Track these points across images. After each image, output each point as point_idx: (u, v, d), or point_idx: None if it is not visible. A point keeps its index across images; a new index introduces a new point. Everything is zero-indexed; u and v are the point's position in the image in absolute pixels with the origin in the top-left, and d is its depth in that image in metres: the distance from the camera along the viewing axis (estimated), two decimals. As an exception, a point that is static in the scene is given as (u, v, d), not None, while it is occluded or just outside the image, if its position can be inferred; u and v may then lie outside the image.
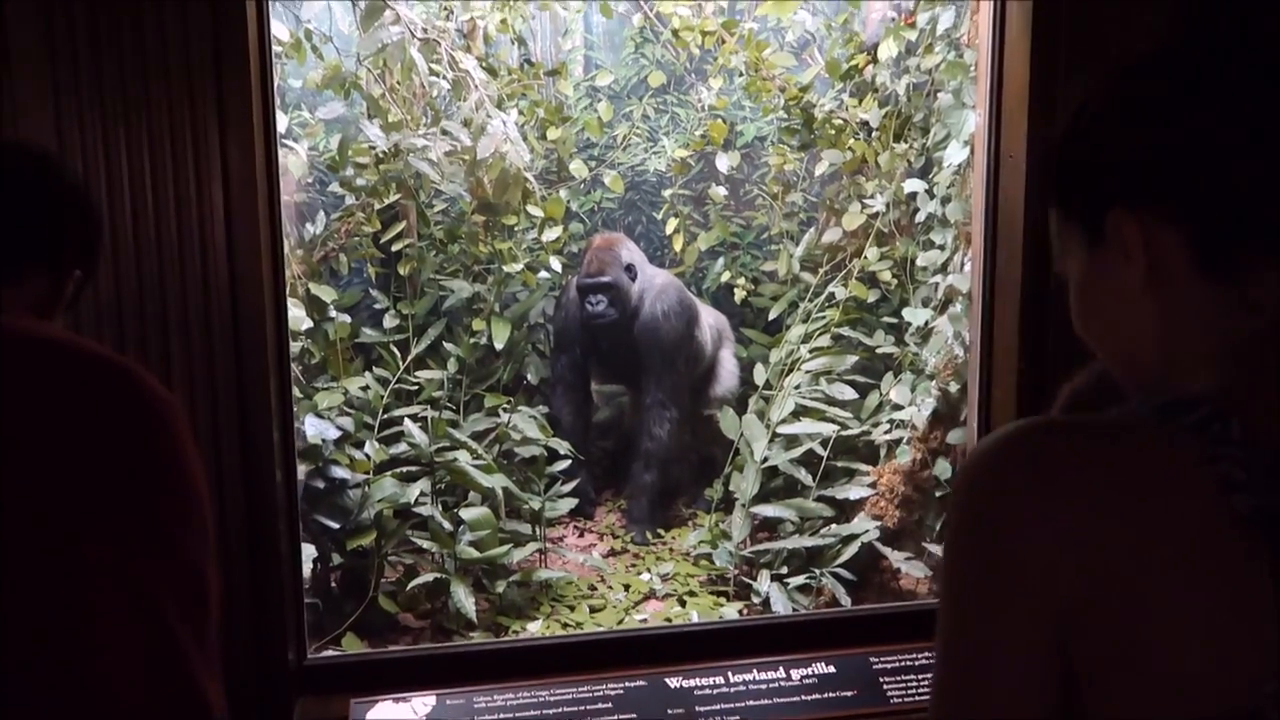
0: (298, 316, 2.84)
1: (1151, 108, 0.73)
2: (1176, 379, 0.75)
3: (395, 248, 3.39)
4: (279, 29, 2.82)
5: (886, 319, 3.46)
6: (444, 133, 3.12)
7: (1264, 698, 0.65)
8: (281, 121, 2.52)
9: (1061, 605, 0.69)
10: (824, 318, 3.44)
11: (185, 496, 1.13)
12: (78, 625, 1.04)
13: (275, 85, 2.07)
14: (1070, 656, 0.70)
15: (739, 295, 3.82)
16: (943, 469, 3.01)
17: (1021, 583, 0.69)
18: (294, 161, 2.93)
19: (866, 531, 3.02)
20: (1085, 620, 0.68)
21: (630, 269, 3.49)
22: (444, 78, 3.11)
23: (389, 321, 3.43)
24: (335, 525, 2.74)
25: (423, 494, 2.92)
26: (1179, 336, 0.74)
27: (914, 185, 3.19)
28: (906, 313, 3.24)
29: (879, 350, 3.38)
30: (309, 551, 2.63)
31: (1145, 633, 0.67)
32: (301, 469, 2.60)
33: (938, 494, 3.03)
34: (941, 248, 3.12)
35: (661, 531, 3.47)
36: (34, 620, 1.04)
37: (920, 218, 3.23)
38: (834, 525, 3.10)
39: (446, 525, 2.88)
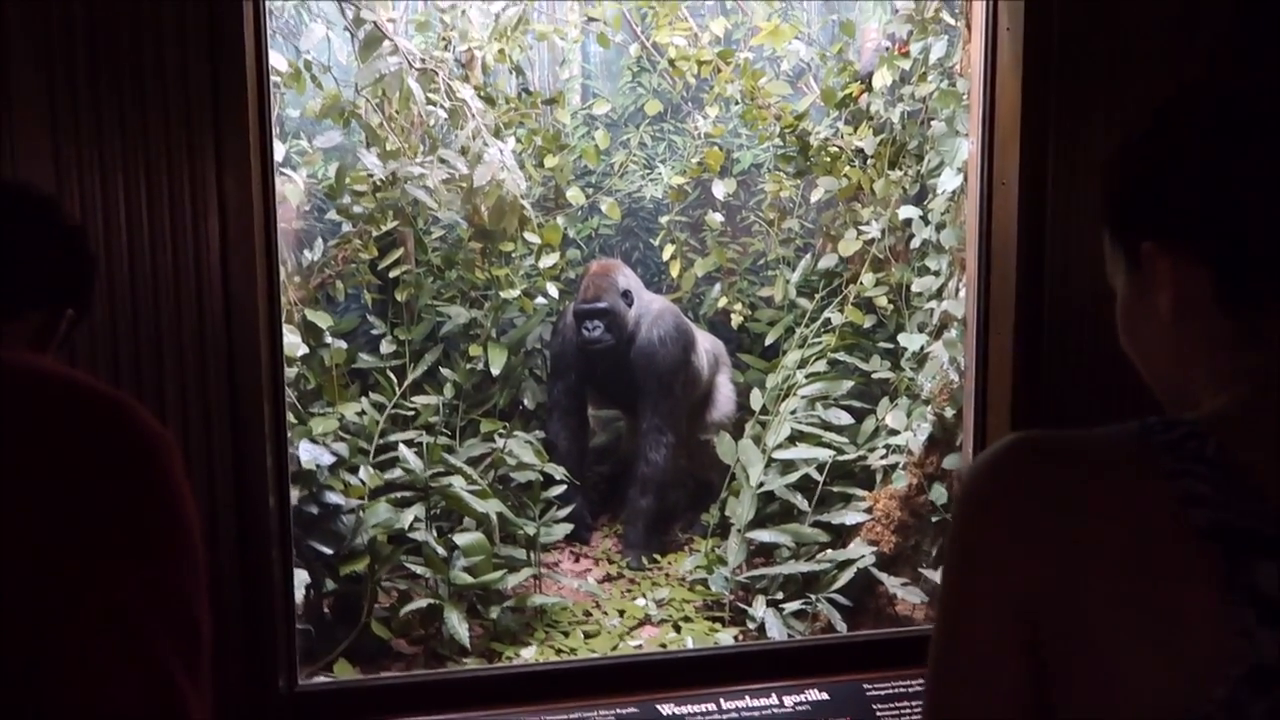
0: (293, 343, 2.86)
1: (1185, 151, 0.77)
2: (1192, 399, 0.80)
3: (392, 274, 3.41)
4: (278, 59, 2.85)
5: (882, 344, 3.48)
6: (441, 161, 3.15)
7: (1212, 704, 0.67)
8: (279, 150, 2.55)
9: (1027, 604, 0.73)
10: (820, 343, 3.46)
11: (176, 530, 1.13)
12: (68, 657, 1.04)
13: (273, 115, 2.09)
14: (1039, 657, 0.73)
15: (735, 320, 3.84)
16: (938, 494, 3.02)
17: (990, 581, 0.75)
18: (291, 190, 2.96)
19: (862, 557, 3.02)
20: (1048, 620, 0.72)
21: (627, 295, 3.51)
22: (441, 107, 3.14)
23: (385, 347, 3.46)
24: (329, 551, 2.74)
25: (417, 519, 2.93)
26: (1197, 361, 0.79)
27: (909, 211, 3.21)
28: (902, 338, 3.26)
29: (875, 375, 3.39)
30: (302, 577, 2.63)
31: (1097, 635, 0.71)
32: (295, 494, 2.61)
33: (934, 519, 3.04)
34: (936, 273, 3.14)
35: (657, 557, 3.48)
36: (24, 652, 1.03)
37: (915, 243, 3.25)
38: (830, 550, 3.10)
39: (440, 551, 2.88)
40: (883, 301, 3.41)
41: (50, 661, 1.03)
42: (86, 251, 1.39)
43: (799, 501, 3.17)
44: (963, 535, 0.77)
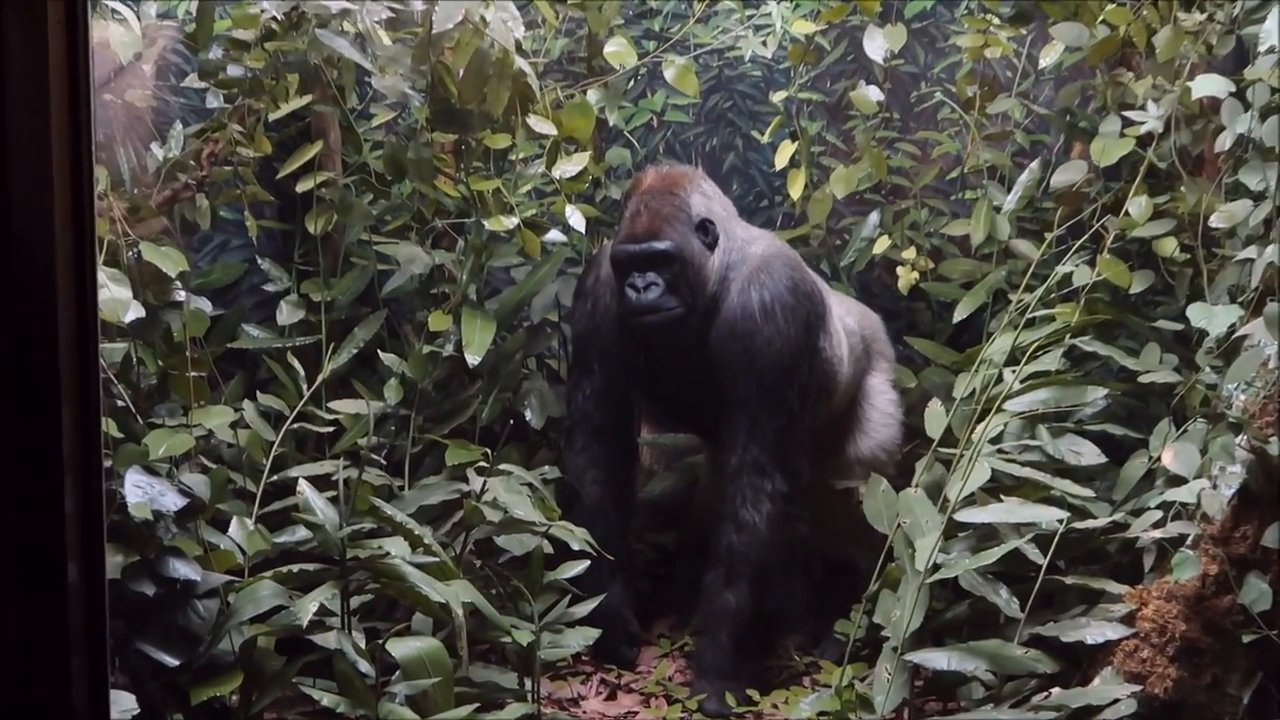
0: (119, 301, 2.90)
1: None
2: None
3: (300, 187, 3.41)
4: None
5: (1164, 323, 3.41)
6: (383, -13, 3.23)
7: None
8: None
9: None
10: (1051, 320, 3.42)
11: None
12: None
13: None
14: None
15: (904, 279, 3.80)
16: (1258, 593, 2.98)
17: None
18: (123, 38, 3.00)
19: (1116, 702, 2.99)
20: None
21: (706, 228, 3.49)
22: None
23: (287, 314, 3.45)
24: (172, 661, 2.77)
25: (327, 612, 2.94)
26: None
27: (1211, 86, 3.17)
28: (1195, 312, 3.20)
29: (1147, 379, 3.34)
30: (123, 704, 2.62)
31: None
32: (115, 561, 2.64)
33: (1247, 639, 3.00)
34: (1259, 196, 3.10)
35: (754, 695, 3.45)
36: None
37: (1224, 143, 3.20)
38: (1058, 689, 3.06)
39: (365, 669, 2.89)
40: (1166, 248, 3.36)
41: None
42: None
43: (1003, 601, 3.15)
44: None
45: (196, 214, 3.34)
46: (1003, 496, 3.26)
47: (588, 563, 3.32)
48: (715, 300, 3.54)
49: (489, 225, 3.52)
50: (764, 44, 3.94)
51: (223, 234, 3.61)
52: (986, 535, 3.23)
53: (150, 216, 3.28)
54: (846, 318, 3.75)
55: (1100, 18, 3.40)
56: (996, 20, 3.65)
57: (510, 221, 3.51)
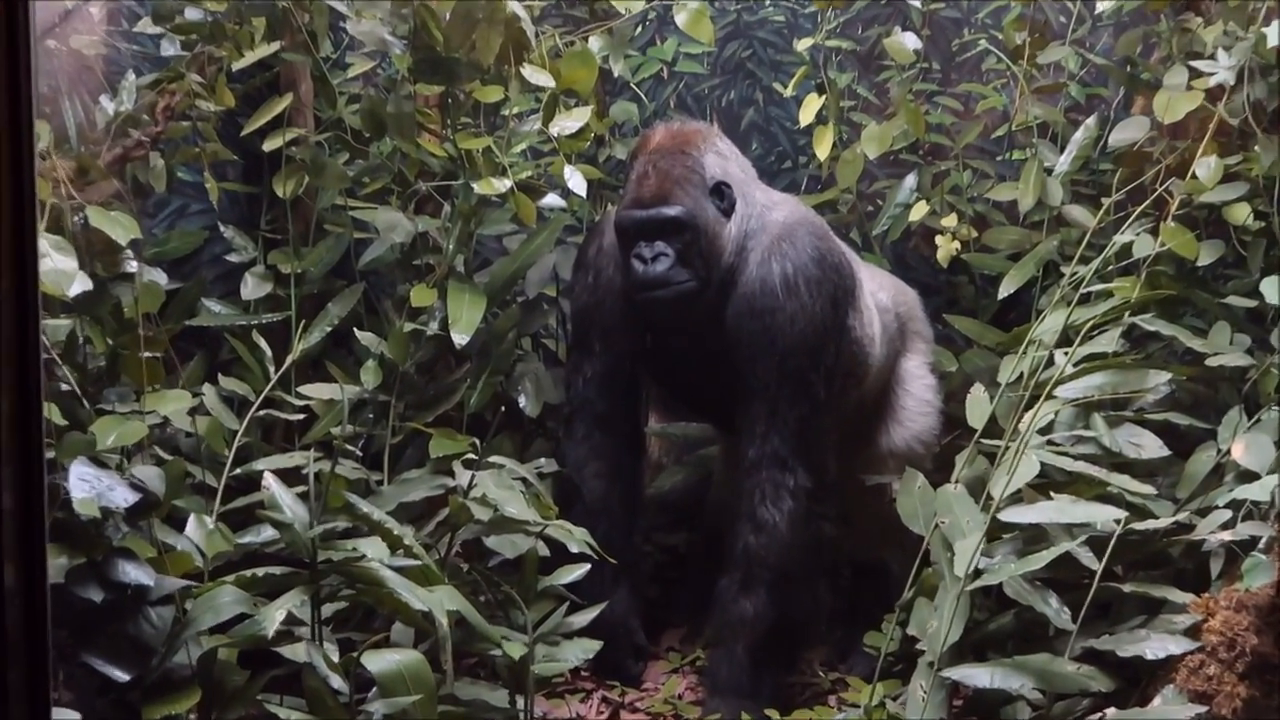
0: (64, 271, 2.84)
1: None
2: None
3: (268, 145, 3.39)
4: None
5: (1234, 299, 3.40)
6: (358, -79, 3.20)
7: None
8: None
9: None
10: (1108, 295, 3.41)
11: None
12: None
13: None
14: None
15: (944, 250, 3.82)
16: (1338, 605, 2.94)
17: None
18: None
19: (1180, 726, 2.96)
20: None
21: (722, 192, 3.48)
22: None
23: (252, 288, 3.44)
24: (123, 675, 2.75)
25: (295, 622, 2.92)
26: None
27: (1288, 30, 3.15)
28: (1270, 286, 3.20)
29: (1215, 362, 3.32)
30: None
31: None
32: (59, 564, 2.62)
33: (1327, 656, 2.96)
34: (1345, 158, 3.07)
35: (774, 716, 3.44)
36: None
37: (1304, 98, 3.18)
38: (1113, 710, 3.04)
39: (338, 685, 2.87)
40: (1238, 215, 3.34)
41: None
42: None
43: (1053, 611, 3.12)
44: None
45: (150, 175, 3.30)
46: (1053, 494, 3.23)
47: (588, 566, 3.28)
48: (732, 273, 3.52)
49: (478, 188, 3.47)
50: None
51: (180, 197, 3.58)
52: (1034, 537, 3.21)
53: (99, 178, 3.23)
54: (879, 293, 3.73)
55: (1163, -48, 3.37)
56: (1048, -42, 3.63)
57: (502, 184, 3.48)
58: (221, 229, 3.55)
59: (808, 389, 3.50)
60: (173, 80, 3.29)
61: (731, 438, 3.71)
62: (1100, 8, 3.58)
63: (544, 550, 3.27)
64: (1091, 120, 3.66)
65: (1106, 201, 3.53)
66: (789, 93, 3.98)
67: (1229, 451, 3.23)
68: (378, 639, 3.04)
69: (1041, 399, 3.33)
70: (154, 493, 2.97)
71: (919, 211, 3.90)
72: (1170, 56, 3.46)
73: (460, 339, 3.47)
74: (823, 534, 3.57)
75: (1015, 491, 3.20)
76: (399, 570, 2.97)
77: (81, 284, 2.95)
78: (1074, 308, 3.42)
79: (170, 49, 3.31)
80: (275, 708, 2.92)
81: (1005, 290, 3.75)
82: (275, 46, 3.36)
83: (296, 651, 2.91)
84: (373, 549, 2.99)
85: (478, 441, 3.39)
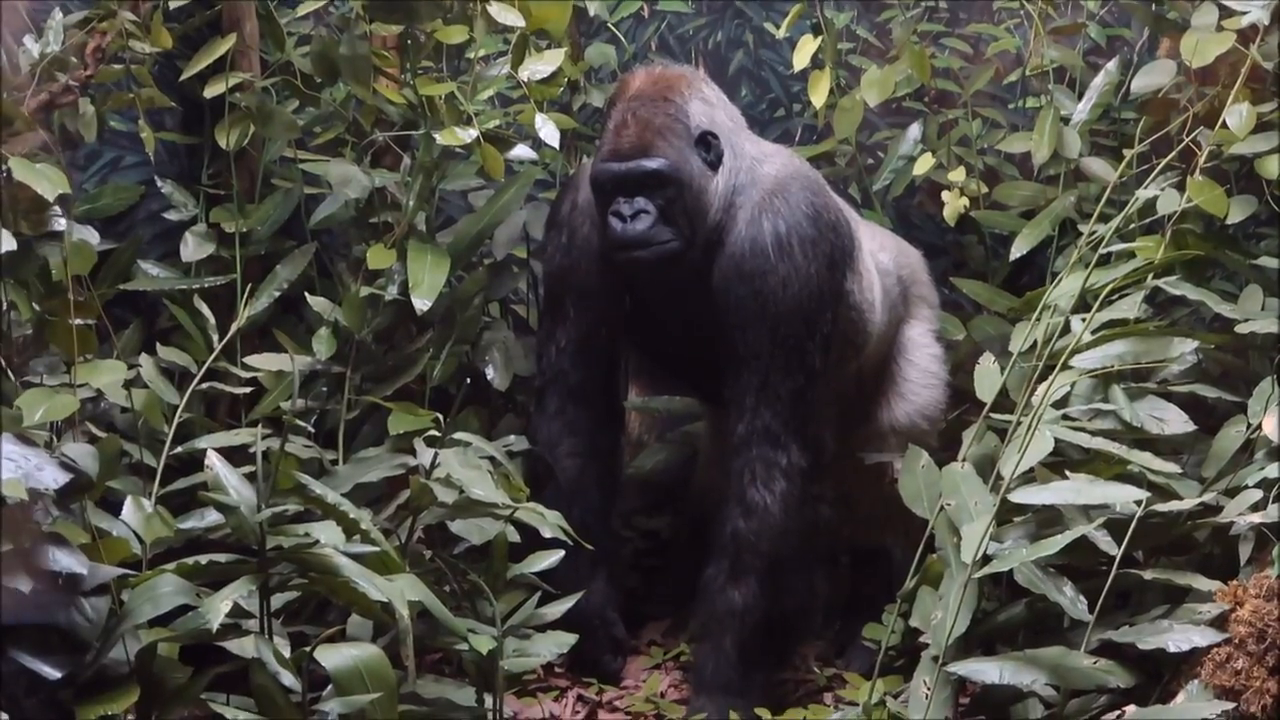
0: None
1: None
2: None
3: (209, 91, 3.33)
4: None
5: (1266, 260, 3.33)
6: None
7: None
8: None
9: None
10: (1130, 256, 3.35)
11: None
12: None
13: None
14: None
15: (951, 207, 3.78)
16: (1375, 596, 2.87)
17: None
18: None
19: (1204, 722, 2.89)
20: None
21: (708, 143, 3.41)
22: None
23: (193, 249, 3.40)
24: (55, 673, 2.67)
25: (243, 613, 2.86)
26: None
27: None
28: None
29: (1246, 329, 3.25)
30: None
31: None
32: (-15, 551, 2.51)
33: (1363, 651, 2.89)
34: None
35: (765, 715, 3.40)
36: None
37: (1345, 39, 3.10)
38: (1133, 707, 2.98)
39: (290, 682, 2.79)
40: (1271, 169, 3.25)
41: None
42: None
43: (1067, 600, 3.05)
44: None
45: (80, 124, 3.23)
46: (1068, 473, 3.16)
47: (562, 553, 3.23)
48: (719, 232, 3.46)
49: (441, 139, 3.41)
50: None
51: (114, 149, 3.51)
52: (1048, 520, 3.16)
53: (24, 128, 3.14)
54: (880, 254, 3.67)
55: None
56: None
57: (467, 134, 3.41)
58: (159, 184, 3.50)
59: (802, 359, 3.44)
60: (104, 18, 3.21)
61: (719, 412, 3.65)
62: (1124, -67, 3.51)
63: (514, 536, 3.20)
64: (1113, 64, 3.62)
65: (1128, 154, 3.46)
66: (782, 34, 3.92)
67: (1260, 426, 3.17)
68: (332, 632, 2.97)
69: (1056, 369, 3.27)
70: (86, 473, 2.90)
71: (924, 165, 3.85)
72: (1196, -8, 3.36)
73: (421, 304, 3.41)
74: (818, 517, 3.52)
75: (1027, 470, 3.15)
76: (355, 557, 2.93)
77: (6, 244, 2.91)
78: (1092, 270, 3.36)
79: (105, -14, 3.20)
80: (221, 707, 2.88)
81: (1018, 251, 3.70)
82: (211, -19, 3.30)
83: (244, 646, 2.88)
84: (327, 534, 2.94)
85: (441, 417, 3.29)
